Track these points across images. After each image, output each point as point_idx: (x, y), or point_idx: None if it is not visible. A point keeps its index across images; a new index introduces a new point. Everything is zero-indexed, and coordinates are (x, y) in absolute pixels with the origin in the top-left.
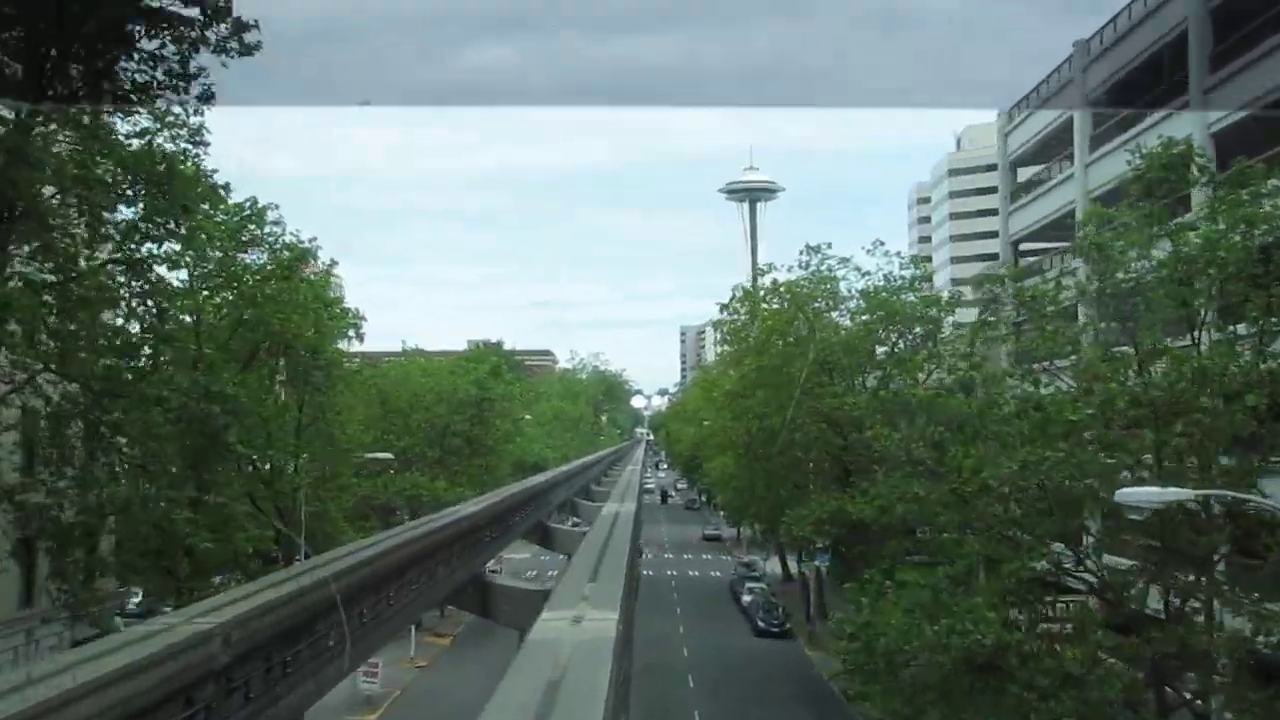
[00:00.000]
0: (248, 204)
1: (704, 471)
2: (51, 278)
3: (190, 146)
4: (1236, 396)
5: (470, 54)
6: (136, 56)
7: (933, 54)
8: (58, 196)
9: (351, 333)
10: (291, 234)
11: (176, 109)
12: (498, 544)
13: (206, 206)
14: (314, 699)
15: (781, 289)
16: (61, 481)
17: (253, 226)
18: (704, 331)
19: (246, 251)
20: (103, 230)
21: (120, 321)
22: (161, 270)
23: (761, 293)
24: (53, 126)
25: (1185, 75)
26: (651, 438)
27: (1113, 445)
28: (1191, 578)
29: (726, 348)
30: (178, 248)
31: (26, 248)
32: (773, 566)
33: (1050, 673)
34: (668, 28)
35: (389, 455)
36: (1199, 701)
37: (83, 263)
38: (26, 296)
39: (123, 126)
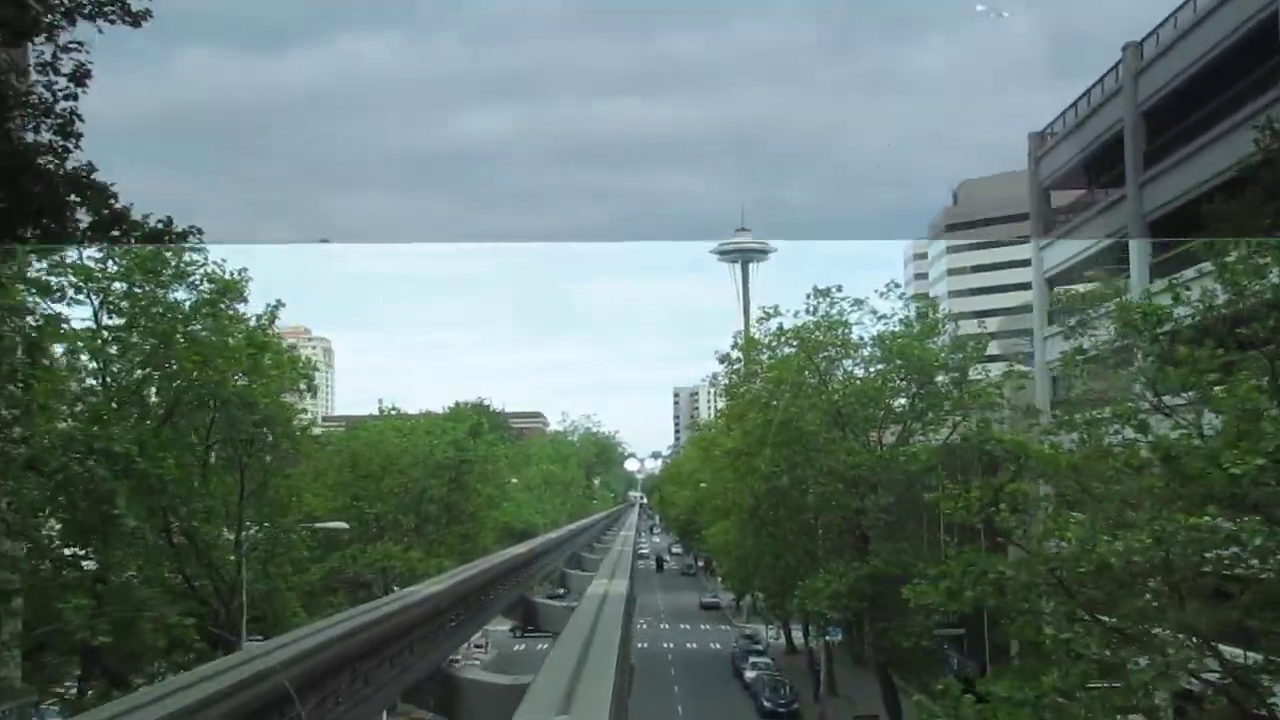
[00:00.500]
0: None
1: (702, 537)
2: None
3: None
4: None
5: (459, 122)
6: None
7: (919, 120)
8: None
9: (303, 386)
10: (214, 264)
11: None
12: (468, 627)
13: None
14: None
15: (788, 336)
16: None
17: (169, 256)
18: (696, 393)
19: (160, 285)
20: None
21: None
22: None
23: (767, 339)
24: None
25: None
26: (645, 501)
27: None
28: None
29: (726, 401)
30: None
31: None
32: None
33: None
34: (658, 94)
35: (343, 525)
36: None
37: None
38: None
39: None
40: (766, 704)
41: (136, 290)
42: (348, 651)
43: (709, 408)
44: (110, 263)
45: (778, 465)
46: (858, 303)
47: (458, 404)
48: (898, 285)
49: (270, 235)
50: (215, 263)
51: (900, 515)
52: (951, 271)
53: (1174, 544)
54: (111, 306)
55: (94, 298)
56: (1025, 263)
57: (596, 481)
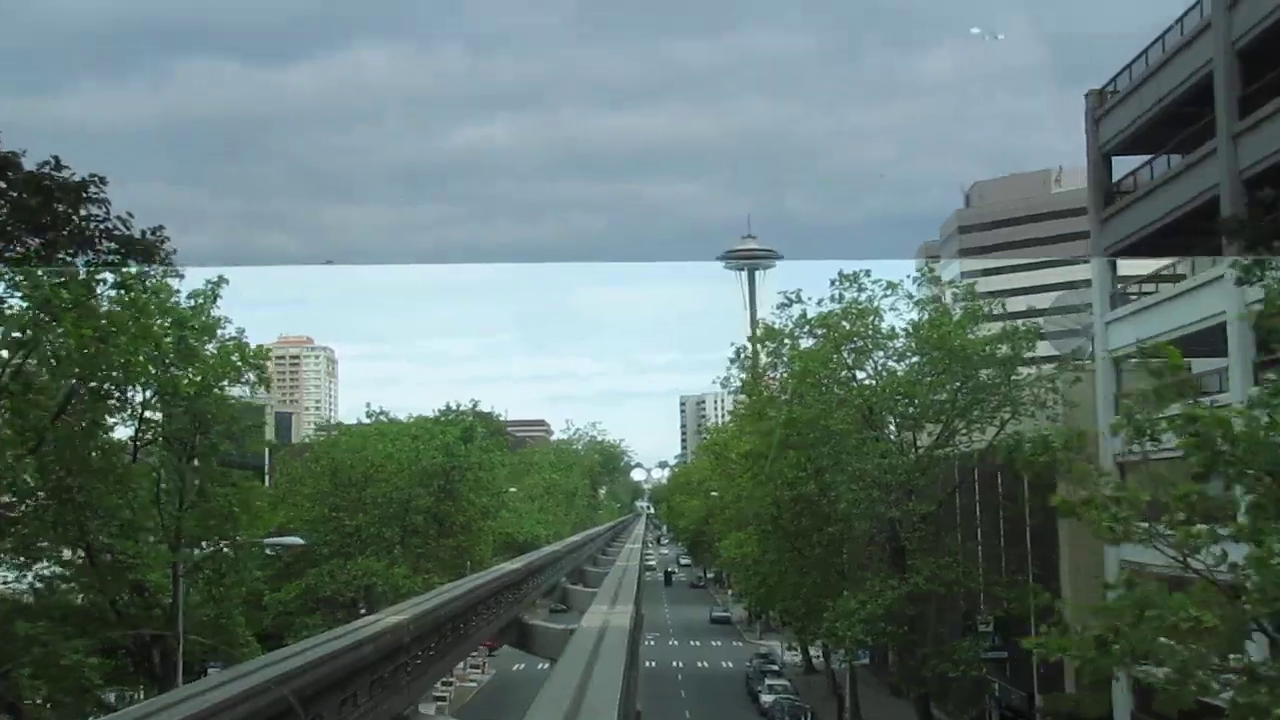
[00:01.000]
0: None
1: (714, 550)
2: None
3: None
4: None
5: (461, 133)
6: None
7: (926, 124)
8: None
9: (252, 378)
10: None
11: None
12: (442, 663)
13: None
14: None
15: (812, 324)
16: None
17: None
18: (703, 401)
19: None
20: None
21: None
22: None
23: (787, 328)
24: None
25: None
26: (652, 511)
27: None
28: None
29: (742, 399)
30: None
31: None
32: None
33: None
34: (662, 102)
35: (297, 540)
36: None
37: None
38: None
39: None
40: None
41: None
42: (258, 713)
43: (718, 414)
44: None
45: (802, 469)
46: (891, 286)
47: (449, 406)
48: (932, 270)
49: (271, 246)
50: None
51: (938, 526)
52: (965, 275)
53: None
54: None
55: None
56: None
57: (602, 491)
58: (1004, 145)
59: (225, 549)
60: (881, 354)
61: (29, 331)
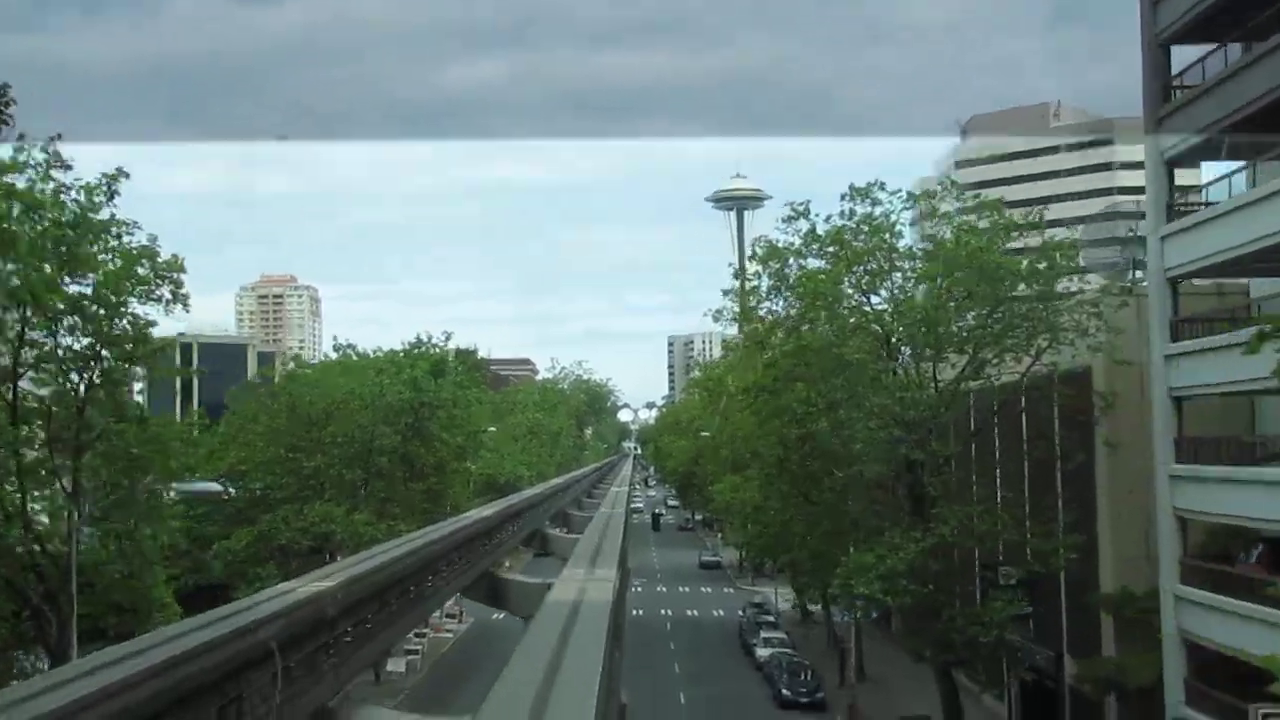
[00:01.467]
0: None
1: (706, 493)
2: None
3: None
4: None
5: (456, 71)
6: None
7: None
8: None
9: (167, 293)
10: None
11: None
12: (384, 637)
13: None
14: None
15: (822, 241)
16: None
17: None
18: (691, 341)
19: None
20: None
21: None
22: None
23: (793, 247)
24: None
25: None
26: (639, 452)
27: None
28: None
29: (740, 330)
30: None
31: None
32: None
33: None
34: (656, 43)
35: (214, 486)
36: None
37: None
38: None
39: None
40: (785, 692)
41: None
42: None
43: (707, 354)
44: None
45: (812, 405)
46: (911, 198)
47: (419, 339)
48: (955, 183)
49: (259, 182)
50: None
51: (966, 469)
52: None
53: None
54: None
55: None
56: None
57: (588, 432)
58: (1000, 88)
59: (142, 498)
60: (899, 275)
61: None
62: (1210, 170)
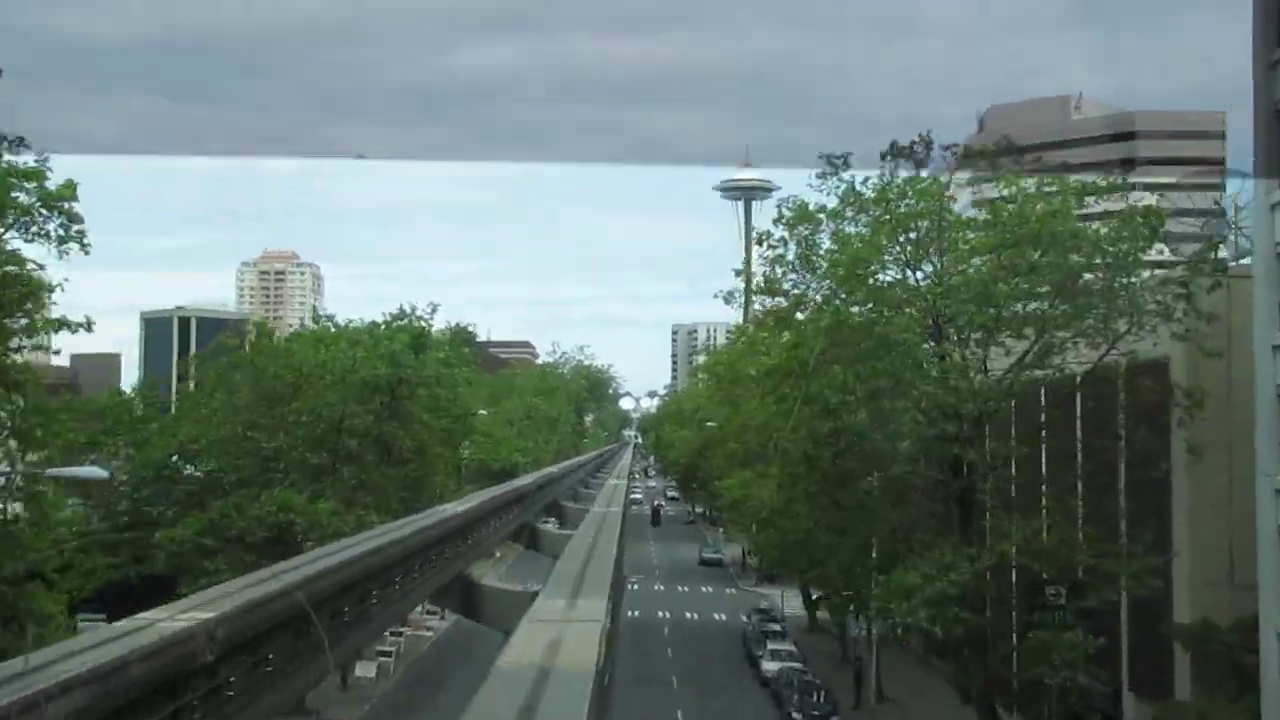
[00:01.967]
0: None
1: (711, 488)
2: None
3: None
4: None
5: (464, 53)
6: None
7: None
8: None
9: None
10: None
11: None
12: (304, 678)
13: None
14: None
15: (866, 202)
16: None
17: None
18: (695, 330)
19: None
20: None
21: None
22: None
23: (829, 210)
24: None
25: None
26: (639, 440)
27: None
28: None
29: (747, 314)
30: None
31: None
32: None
33: None
34: (667, 31)
35: (99, 472)
36: None
37: None
38: None
39: None
40: (796, 715)
41: None
42: None
43: (711, 344)
44: None
45: (850, 392)
46: (968, 157)
47: (402, 310)
48: (1013, 144)
49: (267, 165)
50: None
51: (1027, 474)
52: (976, 204)
53: None
54: None
55: None
56: None
57: (589, 418)
58: (1013, 84)
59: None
60: (949, 245)
61: None
62: None
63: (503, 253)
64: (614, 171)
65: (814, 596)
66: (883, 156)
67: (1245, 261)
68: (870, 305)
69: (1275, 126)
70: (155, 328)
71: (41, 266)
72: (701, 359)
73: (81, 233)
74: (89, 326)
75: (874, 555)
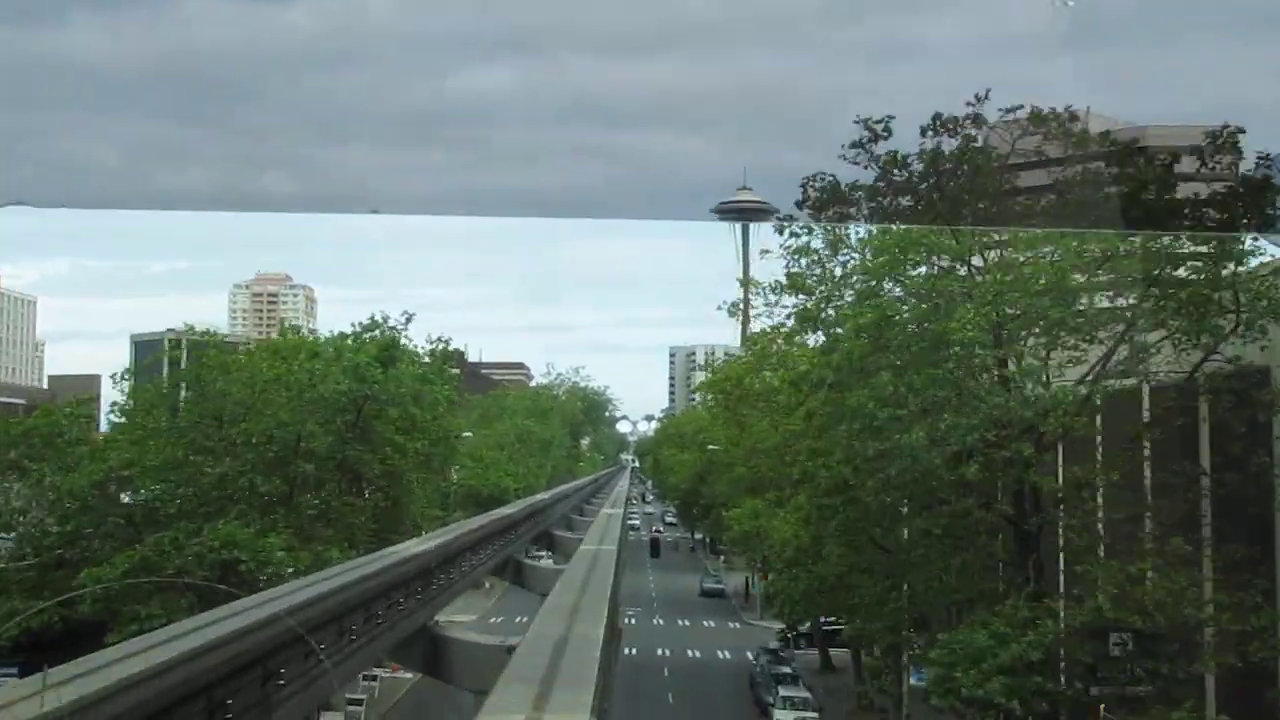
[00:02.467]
0: None
1: (715, 517)
2: None
3: None
4: None
5: (463, 76)
6: None
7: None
8: None
9: None
10: None
11: None
12: None
13: None
14: None
15: (913, 175)
16: None
17: None
18: (694, 353)
19: None
20: None
21: None
22: None
23: (869, 180)
24: None
25: None
26: (637, 465)
27: None
28: None
29: (734, 350)
30: None
31: None
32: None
33: None
34: (664, 55)
35: None
36: None
37: None
38: None
39: None
40: None
41: None
42: None
43: (711, 359)
44: None
45: (903, 404)
46: (1038, 119)
47: (373, 319)
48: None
49: (266, 189)
50: None
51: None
52: None
53: None
54: None
55: None
56: None
57: (585, 442)
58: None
59: None
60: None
61: None
62: None
63: (498, 277)
64: (609, 194)
65: (823, 627)
66: (923, 131)
67: None
68: (924, 298)
69: None
70: (146, 351)
71: None
72: (702, 377)
73: None
74: None
75: (926, 607)
